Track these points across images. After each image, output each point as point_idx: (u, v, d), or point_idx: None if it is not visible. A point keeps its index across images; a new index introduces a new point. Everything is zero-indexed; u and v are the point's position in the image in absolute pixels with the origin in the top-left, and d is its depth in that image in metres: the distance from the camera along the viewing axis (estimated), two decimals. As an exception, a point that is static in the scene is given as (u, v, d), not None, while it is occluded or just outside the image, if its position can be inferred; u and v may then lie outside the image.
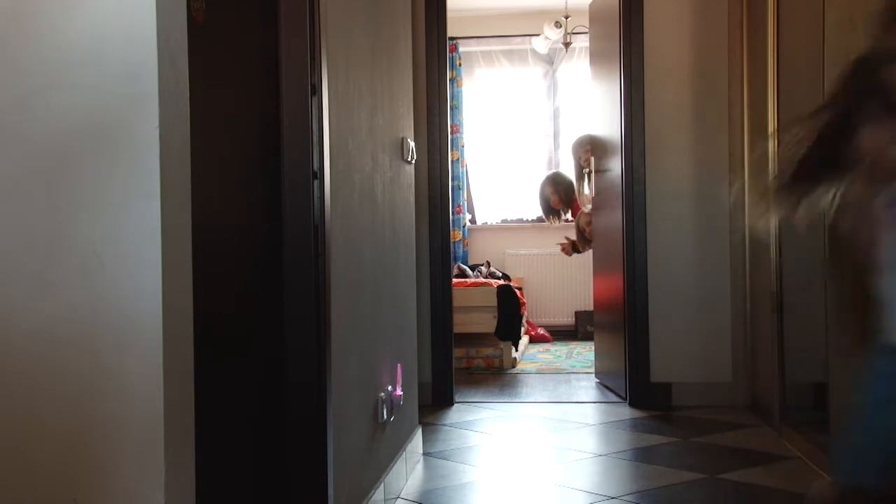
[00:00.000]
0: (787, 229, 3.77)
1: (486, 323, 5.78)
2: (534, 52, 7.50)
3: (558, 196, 6.71)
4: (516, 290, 6.08)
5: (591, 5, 5.36)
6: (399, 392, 3.10)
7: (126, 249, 1.28)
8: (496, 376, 5.50)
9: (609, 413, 4.38)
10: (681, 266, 4.53)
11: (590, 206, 5.90)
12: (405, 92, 3.51)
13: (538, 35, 7.17)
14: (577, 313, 7.25)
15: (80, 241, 1.29)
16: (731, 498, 3.05)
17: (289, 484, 2.19)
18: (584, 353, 6.41)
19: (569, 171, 6.81)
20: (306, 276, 2.19)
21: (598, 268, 5.38)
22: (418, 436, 3.56)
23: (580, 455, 3.61)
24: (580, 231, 6.21)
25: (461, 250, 7.53)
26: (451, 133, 6.12)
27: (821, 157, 1.88)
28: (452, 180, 5.77)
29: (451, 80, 7.16)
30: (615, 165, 4.74)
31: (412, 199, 3.67)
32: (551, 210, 6.83)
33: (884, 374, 1.76)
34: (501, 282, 6.31)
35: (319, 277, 2.21)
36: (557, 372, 5.64)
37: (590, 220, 6.07)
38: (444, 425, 4.17)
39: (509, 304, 5.88)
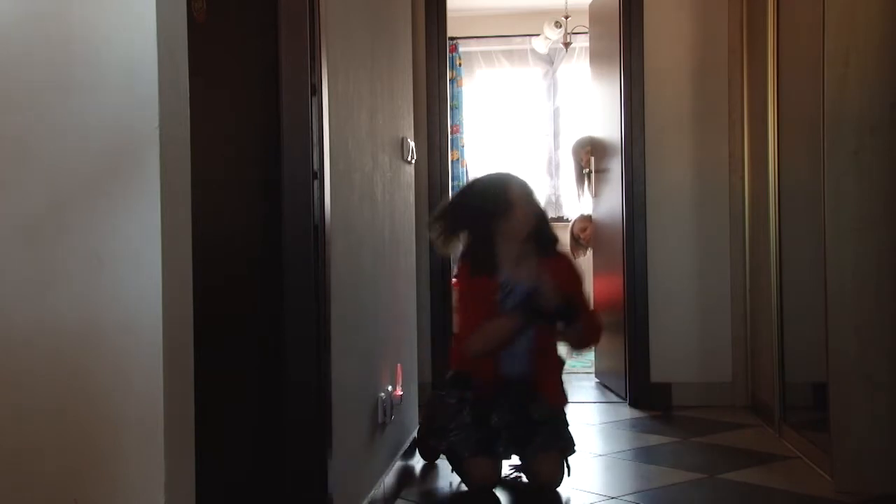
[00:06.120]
0: (786, 229, 3.77)
1: (486, 323, 5.74)
2: (534, 52, 7.50)
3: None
4: (516, 290, 6.04)
5: (591, 5, 5.35)
6: (399, 392, 3.10)
7: (126, 249, 1.27)
8: (496, 376, 5.48)
9: (609, 413, 4.38)
10: (681, 266, 4.53)
11: (587, 212, 5.88)
12: (405, 92, 3.51)
13: (538, 35, 7.16)
14: (577, 313, 7.21)
15: (80, 241, 1.28)
16: (731, 498, 3.05)
17: (289, 484, 2.19)
18: (583, 352, 6.39)
19: (568, 173, 6.70)
20: (306, 276, 2.19)
21: (598, 268, 5.37)
22: (418, 436, 3.56)
23: (580, 455, 3.60)
24: (574, 237, 6.18)
25: (461, 250, 7.51)
26: (451, 133, 6.11)
27: None
28: (452, 180, 5.76)
29: (451, 80, 7.15)
30: (615, 165, 4.74)
31: (412, 199, 3.67)
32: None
33: None
34: (501, 282, 6.26)
35: (319, 277, 2.21)
36: (557, 372, 5.62)
37: (584, 227, 6.03)
38: (444, 425, 4.17)
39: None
